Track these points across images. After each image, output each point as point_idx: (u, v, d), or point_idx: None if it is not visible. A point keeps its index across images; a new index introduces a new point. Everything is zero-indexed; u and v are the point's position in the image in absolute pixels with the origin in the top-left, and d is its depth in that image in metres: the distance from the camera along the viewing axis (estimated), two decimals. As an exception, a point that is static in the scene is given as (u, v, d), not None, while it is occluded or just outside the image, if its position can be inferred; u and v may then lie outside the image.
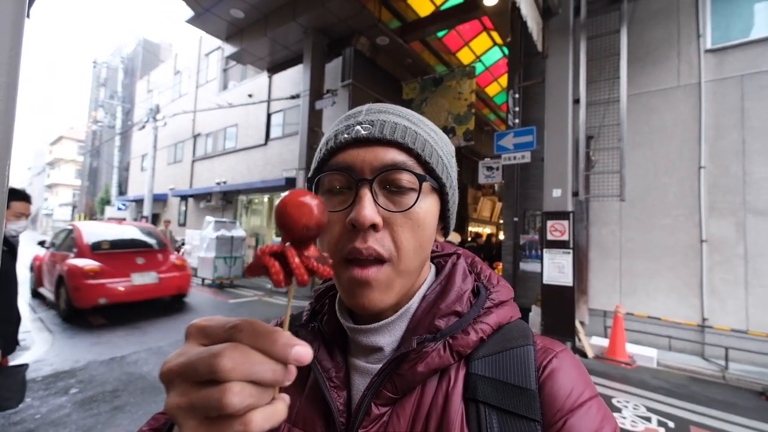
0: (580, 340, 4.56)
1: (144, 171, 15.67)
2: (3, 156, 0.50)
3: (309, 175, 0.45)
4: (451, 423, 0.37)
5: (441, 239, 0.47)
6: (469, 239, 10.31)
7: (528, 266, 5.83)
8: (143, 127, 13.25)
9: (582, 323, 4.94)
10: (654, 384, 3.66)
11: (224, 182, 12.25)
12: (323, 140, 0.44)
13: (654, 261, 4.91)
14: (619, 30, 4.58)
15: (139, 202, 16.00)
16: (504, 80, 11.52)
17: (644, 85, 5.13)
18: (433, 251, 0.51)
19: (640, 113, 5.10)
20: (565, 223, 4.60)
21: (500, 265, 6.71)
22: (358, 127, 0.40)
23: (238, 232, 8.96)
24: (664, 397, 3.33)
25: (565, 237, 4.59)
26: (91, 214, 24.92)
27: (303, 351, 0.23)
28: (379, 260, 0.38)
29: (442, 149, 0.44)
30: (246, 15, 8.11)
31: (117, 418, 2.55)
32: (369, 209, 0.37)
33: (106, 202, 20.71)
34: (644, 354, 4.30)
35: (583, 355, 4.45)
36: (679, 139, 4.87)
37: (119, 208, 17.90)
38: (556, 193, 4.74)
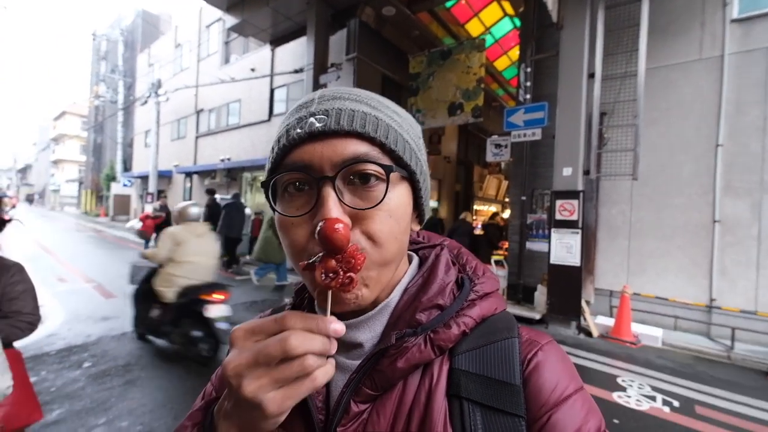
0: (585, 319, 4.58)
1: (148, 147, 15.59)
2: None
3: (263, 178, 0.40)
4: (434, 421, 0.36)
5: (417, 228, 0.44)
6: (489, 219, 9.93)
7: (534, 246, 5.79)
8: (145, 102, 13.06)
9: (587, 302, 4.94)
10: (659, 363, 3.69)
11: (228, 159, 12.18)
12: (275, 137, 0.40)
13: (664, 241, 4.84)
14: (641, -2, 4.31)
15: (144, 178, 16.03)
16: (514, 54, 11.10)
17: (663, 58, 4.88)
18: (417, 242, 0.50)
19: (658, 88, 4.89)
20: (575, 202, 4.52)
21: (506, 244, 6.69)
22: (312, 119, 0.36)
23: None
24: (668, 377, 3.36)
25: (574, 216, 4.52)
26: (98, 191, 25.11)
27: (339, 326, 0.31)
28: None
29: (408, 132, 0.41)
30: (246, -17, 7.77)
31: (130, 392, 2.62)
32: (335, 211, 0.34)
33: (112, 178, 20.80)
34: (649, 333, 4.31)
35: (588, 334, 4.47)
36: (697, 116, 4.69)
37: (125, 185, 17.98)
38: (567, 171, 4.63)
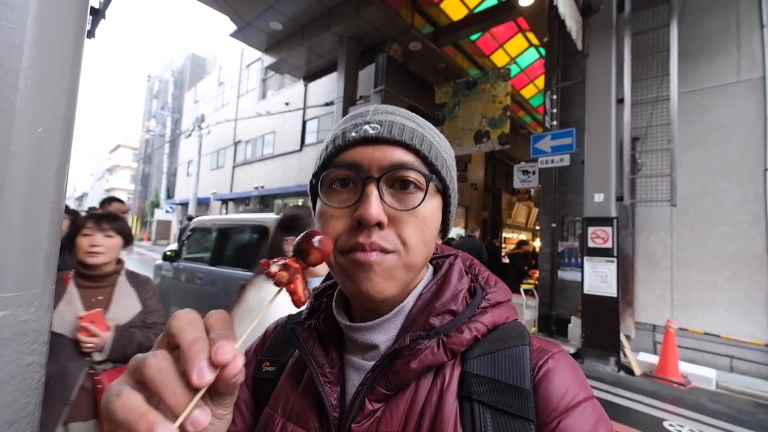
0: (625, 355, 4.26)
1: (189, 176, 16.69)
2: (63, 155, 0.54)
3: (314, 171, 0.44)
4: (445, 421, 0.37)
5: (439, 241, 0.47)
6: (514, 246, 9.67)
7: (567, 275, 5.55)
8: (189, 135, 14.16)
9: (628, 337, 4.61)
10: (713, 408, 3.33)
11: (262, 187, 12.77)
12: (329, 138, 0.45)
13: (711, 272, 4.50)
14: (669, 24, 4.29)
15: (184, 205, 17.05)
16: (540, 82, 11.16)
17: (697, 81, 4.75)
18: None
19: (693, 112, 4.73)
20: (608, 229, 4.34)
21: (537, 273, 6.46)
22: (367, 126, 0.41)
23: (274, 235, 9.29)
24: (725, 424, 3.02)
25: (608, 244, 4.32)
26: (143, 216, 26.90)
27: (202, 415, 0.23)
28: (383, 251, 0.39)
29: (446, 152, 0.45)
30: (284, 27, 8.47)
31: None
32: (376, 207, 0.38)
33: (156, 205, 22.25)
34: (701, 374, 3.93)
35: (629, 371, 4.14)
36: (739, 139, 4.46)
37: (167, 211, 19.16)
38: (598, 197, 4.49)
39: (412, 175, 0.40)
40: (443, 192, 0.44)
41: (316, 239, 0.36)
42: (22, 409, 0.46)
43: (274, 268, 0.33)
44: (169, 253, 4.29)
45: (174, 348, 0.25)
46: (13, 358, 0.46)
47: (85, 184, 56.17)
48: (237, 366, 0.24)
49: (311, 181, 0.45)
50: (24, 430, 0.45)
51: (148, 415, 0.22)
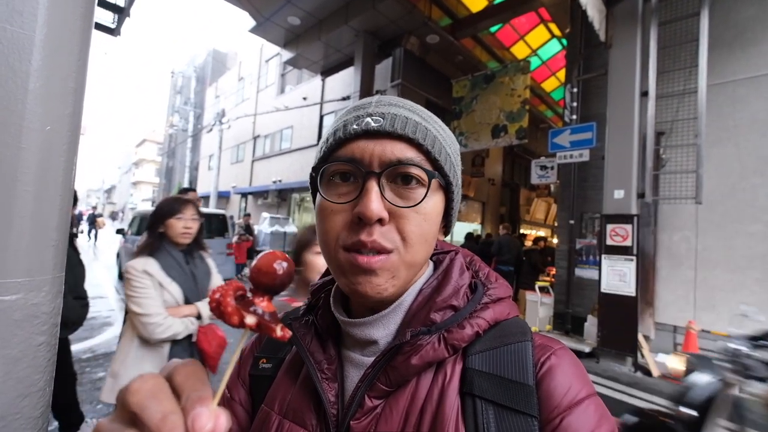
0: (643, 356, 4.14)
1: (210, 170, 17.12)
2: (70, 151, 0.58)
3: (314, 164, 0.43)
4: (446, 417, 0.36)
5: (441, 237, 0.47)
6: (530, 243, 9.44)
7: (584, 272, 5.42)
8: (210, 130, 14.49)
9: (646, 338, 4.48)
10: (733, 413, 3.21)
11: (280, 181, 12.98)
12: (330, 129, 0.43)
13: (738, 273, 4.30)
14: (699, 12, 4.07)
15: (206, 198, 17.51)
16: (563, 74, 10.80)
17: (730, 73, 4.50)
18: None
19: (724, 105, 4.49)
20: (628, 227, 4.21)
21: (554, 270, 6.33)
22: (369, 119, 0.39)
23: (291, 228, 9.45)
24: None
25: (628, 242, 4.20)
26: (167, 209, 27.63)
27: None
28: (384, 251, 0.38)
29: (450, 147, 0.44)
30: (302, 21, 8.52)
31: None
32: (376, 203, 0.37)
33: (179, 198, 22.88)
34: (723, 378, 3.78)
35: (647, 372, 4.03)
36: (774, 134, 4.21)
37: (189, 204, 19.68)
38: (618, 194, 4.35)
39: (415, 172, 0.39)
40: (446, 188, 0.43)
41: (279, 268, 0.32)
42: (34, 385, 0.50)
43: (249, 320, 0.29)
44: (118, 230, 7.60)
45: (137, 422, 0.22)
46: (25, 338, 0.50)
47: (113, 176, 58.47)
48: (220, 429, 0.22)
49: (311, 174, 0.43)
50: (36, 404, 0.50)
51: None
